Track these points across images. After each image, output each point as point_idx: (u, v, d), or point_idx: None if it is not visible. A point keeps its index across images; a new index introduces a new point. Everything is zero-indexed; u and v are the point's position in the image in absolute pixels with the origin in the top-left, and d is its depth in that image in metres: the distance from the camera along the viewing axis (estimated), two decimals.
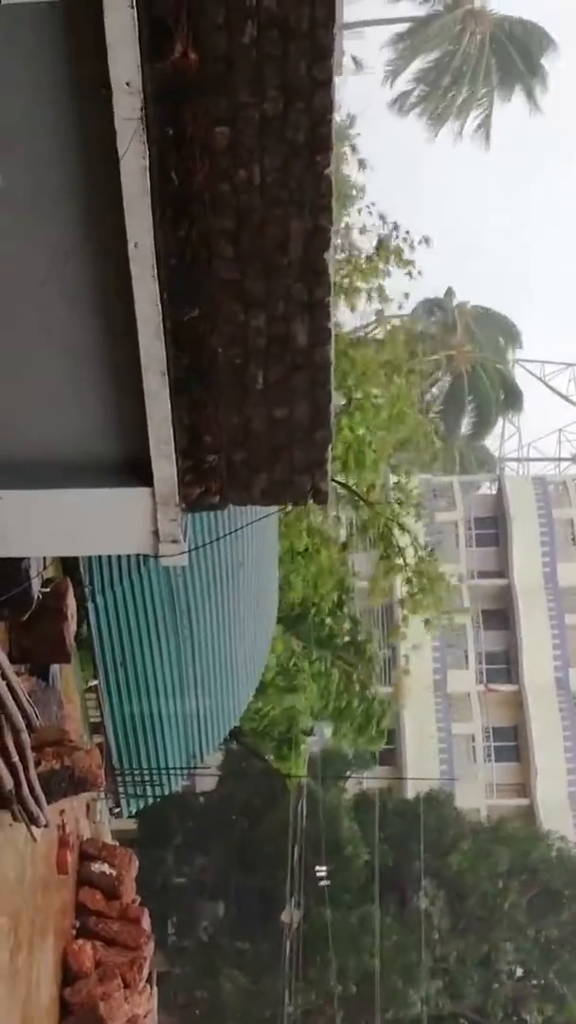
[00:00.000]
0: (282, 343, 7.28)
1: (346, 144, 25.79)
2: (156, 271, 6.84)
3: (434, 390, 25.57)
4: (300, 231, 6.87)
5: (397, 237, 22.86)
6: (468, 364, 50.58)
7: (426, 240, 22.93)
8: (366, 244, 23.13)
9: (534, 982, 34.86)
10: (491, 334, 53.67)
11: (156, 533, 7.86)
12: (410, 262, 22.75)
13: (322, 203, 6.82)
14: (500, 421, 58.58)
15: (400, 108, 51.76)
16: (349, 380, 21.50)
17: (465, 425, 54.51)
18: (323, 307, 7.17)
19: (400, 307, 24.90)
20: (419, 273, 22.95)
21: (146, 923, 17.05)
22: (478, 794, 46.87)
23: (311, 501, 8.08)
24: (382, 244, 22.58)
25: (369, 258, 22.51)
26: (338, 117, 6.86)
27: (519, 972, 35.54)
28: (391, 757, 50.85)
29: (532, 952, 35.00)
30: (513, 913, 34.58)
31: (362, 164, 24.54)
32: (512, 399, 55.42)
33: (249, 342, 7.26)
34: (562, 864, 36.32)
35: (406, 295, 24.28)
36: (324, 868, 31.79)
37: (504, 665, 54.10)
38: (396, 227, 22.91)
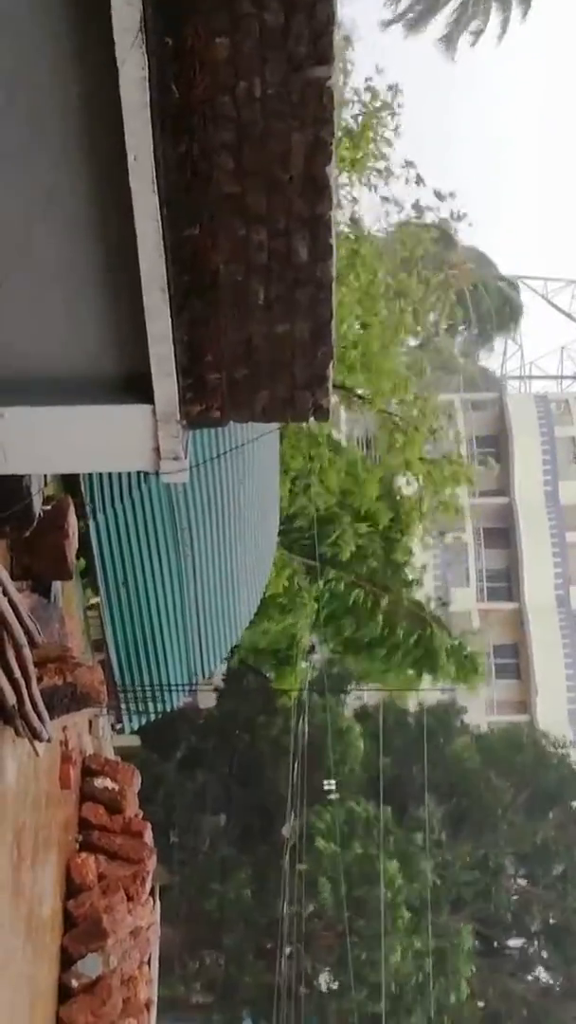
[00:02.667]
0: (283, 259, 7.22)
1: (346, 61, 25.11)
2: (156, 186, 6.77)
3: (432, 315, 24.98)
4: (301, 145, 6.79)
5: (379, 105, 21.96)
6: (469, 282, 50.17)
7: (398, 105, 22.03)
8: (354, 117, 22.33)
9: (535, 887, 35.36)
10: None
11: (157, 450, 7.85)
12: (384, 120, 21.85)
13: (324, 116, 6.73)
14: (502, 339, 58.32)
15: (406, 24, 50.93)
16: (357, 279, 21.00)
17: (467, 343, 54.30)
18: (325, 222, 7.10)
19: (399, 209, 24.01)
20: (396, 130, 22.08)
21: (148, 837, 17.24)
22: (479, 711, 47.22)
23: (312, 418, 8.05)
24: (369, 111, 21.78)
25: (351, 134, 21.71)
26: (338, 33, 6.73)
27: (521, 878, 36.06)
28: None
29: (532, 856, 35.52)
30: (512, 817, 35.06)
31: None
32: (513, 315, 55.11)
33: (250, 258, 7.19)
34: (563, 767, 36.77)
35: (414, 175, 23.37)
36: (331, 782, 32.15)
37: (505, 583, 54.35)
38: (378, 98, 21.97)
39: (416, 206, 24.15)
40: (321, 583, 24.04)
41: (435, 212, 24.94)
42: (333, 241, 7.21)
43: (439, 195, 24.53)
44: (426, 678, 26.37)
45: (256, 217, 7.05)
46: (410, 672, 25.99)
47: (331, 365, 7.75)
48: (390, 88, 21.93)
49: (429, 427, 23.04)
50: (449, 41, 51.12)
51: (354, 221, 23.20)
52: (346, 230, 21.99)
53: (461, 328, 52.09)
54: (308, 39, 6.49)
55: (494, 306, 53.09)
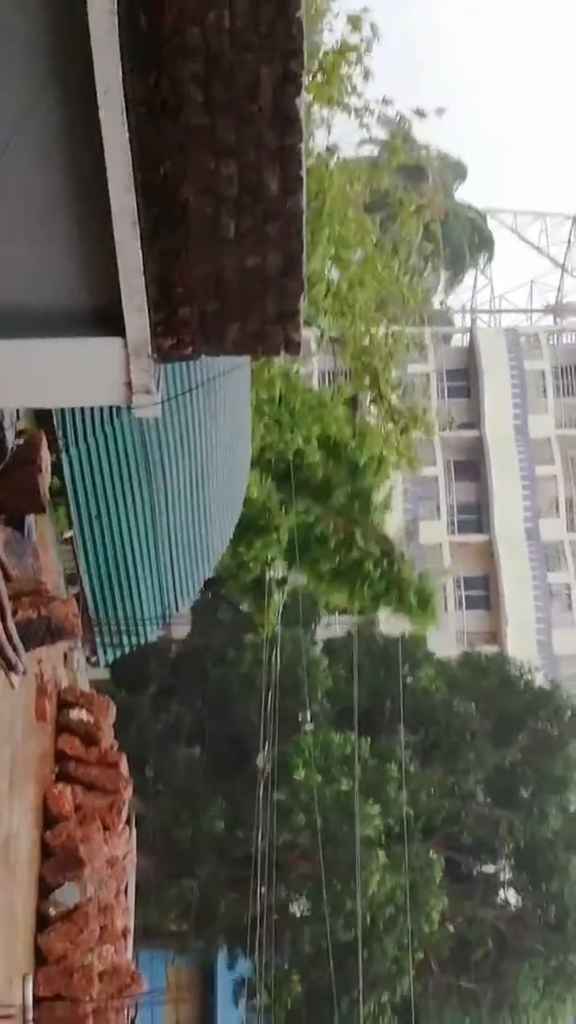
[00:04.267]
0: (254, 192, 7.24)
1: None
2: (125, 118, 6.77)
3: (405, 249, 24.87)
4: (270, 76, 6.79)
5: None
6: (440, 212, 49.87)
7: (373, 31, 21.63)
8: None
9: (502, 809, 35.86)
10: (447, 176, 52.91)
11: (129, 384, 7.89)
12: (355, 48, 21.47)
13: (293, 48, 6.74)
14: (473, 272, 58.12)
15: None
16: (325, 220, 20.90)
17: (438, 276, 54.10)
18: (295, 154, 7.12)
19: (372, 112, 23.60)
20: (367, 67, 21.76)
21: (124, 768, 17.45)
22: (449, 641, 47.63)
23: (283, 352, 8.11)
24: (344, 46, 21.40)
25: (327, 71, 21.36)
26: None
27: (488, 800, 36.54)
28: None
29: (498, 780, 36.00)
30: (480, 743, 35.50)
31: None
32: (484, 246, 54.86)
33: (220, 191, 7.21)
34: (528, 692, 37.19)
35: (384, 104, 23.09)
36: (304, 718, 32.50)
37: (475, 516, 54.60)
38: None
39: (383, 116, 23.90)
40: (292, 514, 24.16)
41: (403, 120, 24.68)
42: (303, 173, 7.23)
43: (419, 112, 24.37)
44: (386, 610, 26.66)
45: (226, 149, 7.06)
46: (371, 603, 26.29)
47: (302, 298, 7.79)
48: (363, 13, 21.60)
49: (395, 365, 23.21)
50: None
51: (330, 150, 23.01)
52: (315, 161, 21.75)
53: (431, 262, 51.86)
54: None
55: (465, 238, 52.81)
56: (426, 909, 31.88)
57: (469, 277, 57.96)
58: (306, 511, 24.55)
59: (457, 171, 54.94)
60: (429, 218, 24.84)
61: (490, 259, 56.71)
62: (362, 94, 21.81)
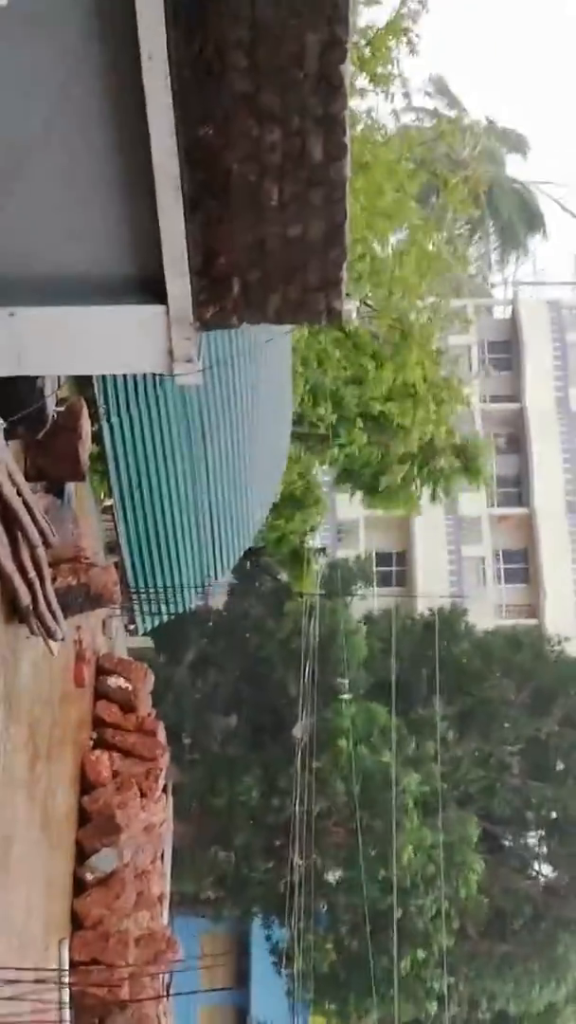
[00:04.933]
0: (297, 159, 7.20)
1: None
2: (170, 84, 6.74)
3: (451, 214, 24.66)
4: (316, 43, 6.74)
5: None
6: (485, 185, 49.35)
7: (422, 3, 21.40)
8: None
9: (537, 781, 35.84)
10: (498, 149, 52.09)
11: (171, 352, 7.89)
12: (408, 30, 21.34)
13: (339, 14, 6.68)
14: (527, 245, 57.42)
15: None
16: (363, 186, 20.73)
17: (486, 246, 53.68)
18: (339, 122, 7.07)
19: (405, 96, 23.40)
20: (417, 43, 21.57)
21: (161, 735, 17.56)
22: (488, 615, 47.55)
23: (326, 321, 8.08)
24: (392, 23, 21.23)
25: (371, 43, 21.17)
26: None
27: (522, 772, 36.50)
28: (401, 578, 51.53)
29: (533, 752, 35.98)
30: (515, 714, 35.47)
31: None
32: (533, 220, 54.16)
33: (264, 158, 7.17)
34: (561, 663, 37.11)
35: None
36: (341, 689, 32.55)
37: (515, 489, 54.39)
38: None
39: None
40: (336, 449, 24.14)
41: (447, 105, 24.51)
42: (347, 141, 7.18)
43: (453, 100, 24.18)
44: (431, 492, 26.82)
45: (270, 116, 7.02)
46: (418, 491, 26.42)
47: (344, 267, 7.75)
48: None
49: (436, 338, 23.10)
50: None
51: (372, 119, 22.85)
52: (360, 129, 21.58)
53: (478, 235, 51.46)
54: None
55: (515, 214, 52.13)
56: (463, 873, 31.94)
57: (519, 255, 56.99)
58: (349, 443, 24.42)
59: (514, 143, 54.12)
60: (472, 191, 24.53)
61: (543, 235, 55.79)
62: (401, 74, 21.64)
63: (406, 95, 22.06)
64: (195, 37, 6.69)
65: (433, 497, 27.14)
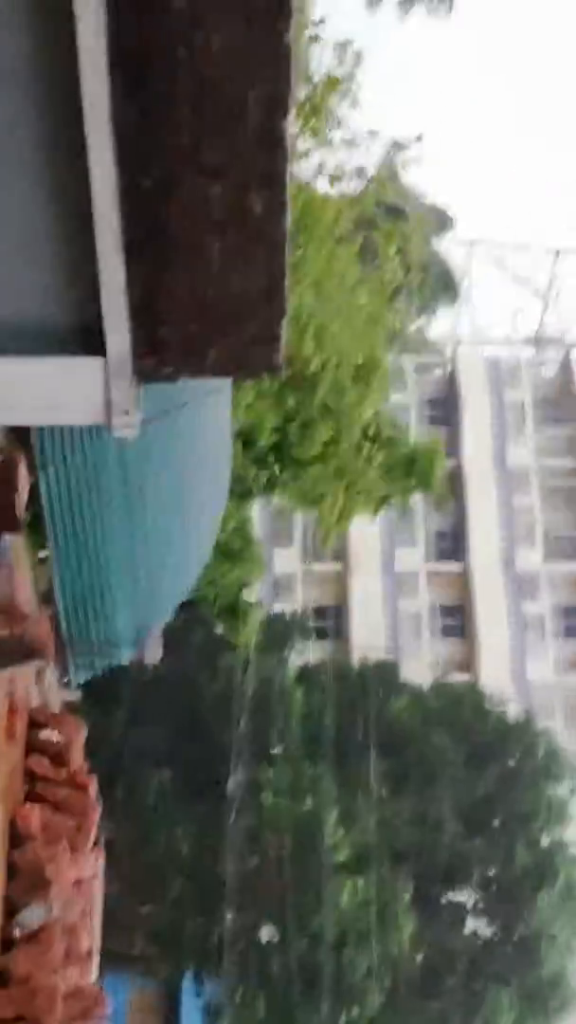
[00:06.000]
0: (238, 214, 7.21)
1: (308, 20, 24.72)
2: (112, 133, 6.74)
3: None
4: (259, 98, 6.77)
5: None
6: (419, 255, 50.29)
7: (358, 56, 21.63)
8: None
9: (473, 840, 35.83)
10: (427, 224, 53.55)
11: (109, 404, 7.83)
12: (341, 83, 21.52)
13: (282, 70, 6.72)
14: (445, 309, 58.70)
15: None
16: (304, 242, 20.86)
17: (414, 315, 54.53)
18: (281, 177, 7.10)
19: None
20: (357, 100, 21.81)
21: (93, 789, 17.34)
22: (423, 670, 47.63)
23: (264, 375, 8.07)
24: (332, 79, 21.48)
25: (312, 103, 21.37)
26: None
27: (459, 831, 36.48)
28: (338, 632, 51.54)
29: (470, 811, 35.98)
30: (453, 772, 35.49)
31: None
32: (450, 293, 55.65)
33: (205, 211, 7.17)
34: (501, 723, 37.26)
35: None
36: (273, 744, 32.40)
37: (452, 544, 54.67)
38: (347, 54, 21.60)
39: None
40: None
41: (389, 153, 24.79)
42: (288, 197, 7.21)
43: (399, 144, 24.47)
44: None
45: (212, 170, 7.02)
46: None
47: (284, 322, 7.76)
48: (346, 46, 21.67)
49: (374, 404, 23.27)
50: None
51: (315, 179, 23.09)
52: (302, 190, 21.78)
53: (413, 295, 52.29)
54: None
55: (439, 279, 53.45)
56: (395, 933, 31.80)
57: (438, 317, 58.58)
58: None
59: (441, 219, 55.54)
60: (409, 258, 24.89)
61: (454, 301, 57.80)
62: (344, 129, 21.89)
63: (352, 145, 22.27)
64: (137, 88, 6.70)
65: (377, 509, 27.07)
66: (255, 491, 24.43)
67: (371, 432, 24.67)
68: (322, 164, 22.49)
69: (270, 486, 24.69)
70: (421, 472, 26.44)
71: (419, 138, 25.78)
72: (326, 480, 24.54)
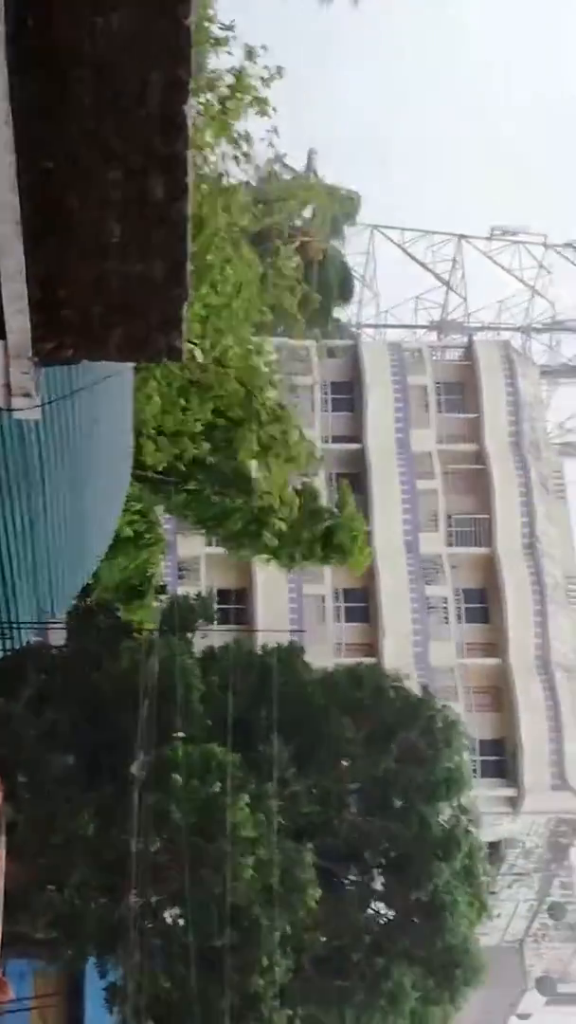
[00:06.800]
0: (139, 197, 7.23)
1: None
2: (10, 118, 6.72)
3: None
4: (158, 82, 6.80)
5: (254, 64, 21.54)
6: (319, 252, 50.81)
7: (279, 71, 21.67)
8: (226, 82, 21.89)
9: (376, 820, 36.17)
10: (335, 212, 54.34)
11: (8, 386, 7.83)
12: (264, 100, 21.57)
13: (181, 54, 6.75)
14: (357, 288, 59.30)
15: None
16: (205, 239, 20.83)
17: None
18: (181, 161, 7.13)
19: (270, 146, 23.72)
20: (273, 110, 21.83)
21: None
22: (327, 653, 47.89)
23: (165, 359, 8.11)
24: (240, 76, 21.39)
25: (224, 102, 21.32)
26: None
27: (361, 809, 36.85)
28: (241, 616, 51.62)
29: (372, 789, 36.34)
30: (354, 751, 35.80)
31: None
32: (344, 291, 56.50)
33: (105, 195, 7.19)
34: (400, 700, 37.60)
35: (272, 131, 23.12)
36: (178, 726, 32.42)
37: None
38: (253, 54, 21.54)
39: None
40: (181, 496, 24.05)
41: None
42: (189, 181, 7.24)
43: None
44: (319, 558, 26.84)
45: (111, 154, 7.04)
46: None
47: (185, 306, 7.80)
48: (261, 50, 21.58)
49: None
50: None
51: (220, 176, 23.02)
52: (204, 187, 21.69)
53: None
54: None
55: (335, 280, 54.32)
56: (298, 908, 32.07)
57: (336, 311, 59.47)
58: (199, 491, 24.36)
59: (348, 206, 56.07)
60: (308, 256, 24.99)
61: (348, 299, 59.16)
62: (248, 135, 21.87)
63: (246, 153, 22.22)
64: (37, 73, 6.69)
65: (293, 559, 27.09)
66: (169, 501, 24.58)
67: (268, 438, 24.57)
68: (224, 154, 22.32)
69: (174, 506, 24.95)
70: (338, 546, 26.45)
71: (313, 151, 25.86)
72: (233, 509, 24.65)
